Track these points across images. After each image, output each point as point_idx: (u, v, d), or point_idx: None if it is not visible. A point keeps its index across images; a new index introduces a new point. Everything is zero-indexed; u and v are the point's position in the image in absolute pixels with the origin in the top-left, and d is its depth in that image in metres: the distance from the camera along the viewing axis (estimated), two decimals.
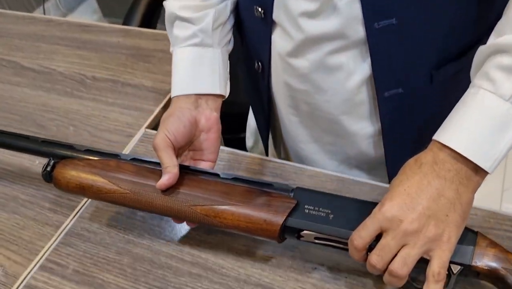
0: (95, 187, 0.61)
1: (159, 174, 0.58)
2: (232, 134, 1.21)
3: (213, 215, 0.57)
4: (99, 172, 0.61)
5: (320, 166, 0.74)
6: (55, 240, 0.67)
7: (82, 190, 0.62)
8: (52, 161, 0.63)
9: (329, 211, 0.55)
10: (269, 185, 0.59)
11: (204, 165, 0.64)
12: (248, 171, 0.72)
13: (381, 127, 0.65)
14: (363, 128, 0.67)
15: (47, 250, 0.66)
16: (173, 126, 0.60)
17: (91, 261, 0.64)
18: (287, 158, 0.83)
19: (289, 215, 0.55)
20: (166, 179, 0.57)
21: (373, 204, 0.53)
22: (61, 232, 0.68)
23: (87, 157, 0.63)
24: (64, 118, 0.89)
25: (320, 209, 0.55)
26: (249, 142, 1.01)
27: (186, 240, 0.64)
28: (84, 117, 0.88)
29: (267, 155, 0.85)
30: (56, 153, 0.64)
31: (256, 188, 0.58)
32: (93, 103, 0.91)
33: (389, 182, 0.70)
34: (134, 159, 0.63)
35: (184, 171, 0.61)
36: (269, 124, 0.79)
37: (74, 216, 0.70)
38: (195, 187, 0.59)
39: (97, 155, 0.63)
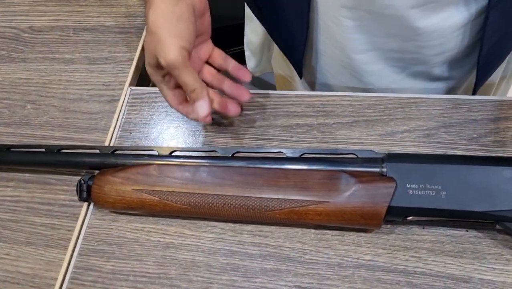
0: (146, 206, 0.49)
1: (215, 174, 0.47)
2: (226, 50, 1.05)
3: (296, 217, 0.45)
4: (144, 188, 0.49)
5: (376, 76, 0.59)
6: (69, 266, 0.52)
7: (132, 210, 0.51)
8: (85, 184, 0.51)
9: (439, 187, 0.42)
10: (350, 156, 0.46)
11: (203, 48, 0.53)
12: (288, 115, 0.56)
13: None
14: (450, 17, 0.51)
15: (62, 282, 0.51)
16: (184, 30, 0.45)
17: (128, 284, 0.49)
18: (322, 79, 0.66)
19: (390, 202, 0.43)
20: (205, 112, 0.47)
21: (490, 163, 0.42)
22: (72, 254, 0.52)
23: (119, 162, 0.51)
24: (14, 94, 0.67)
25: (427, 186, 0.42)
26: (250, 63, 0.83)
27: (241, 227, 0.50)
28: (40, 87, 0.67)
29: (300, 76, 0.67)
30: (81, 162, 0.53)
31: (336, 168, 0.46)
32: (45, 65, 0.69)
33: (477, 78, 0.56)
34: (173, 155, 0.51)
35: (239, 158, 0.49)
36: (307, 38, 0.60)
37: (81, 227, 0.54)
38: (265, 186, 0.46)
39: (130, 157, 0.52)
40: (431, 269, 0.44)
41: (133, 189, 0.49)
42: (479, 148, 0.49)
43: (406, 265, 0.45)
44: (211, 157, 0.50)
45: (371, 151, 0.46)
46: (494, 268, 0.43)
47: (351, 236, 0.47)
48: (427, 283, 0.44)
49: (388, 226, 0.47)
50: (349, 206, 0.44)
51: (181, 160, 0.50)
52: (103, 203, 0.51)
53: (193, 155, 0.51)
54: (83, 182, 0.51)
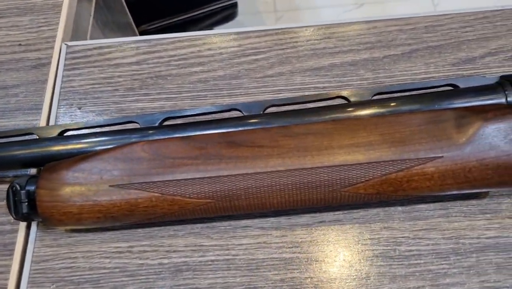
0: (139, 211, 0.31)
1: (249, 142, 0.31)
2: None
3: (391, 190, 0.30)
4: (132, 182, 0.30)
5: None
6: None
7: (114, 220, 0.31)
8: (22, 190, 0.31)
9: None
10: (447, 89, 0.32)
11: None
12: (316, 54, 0.40)
13: None
14: None
15: None
16: None
17: None
18: None
19: None
20: None
21: None
22: None
23: (77, 147, 0.33)
24: None
25: None
26: None
27: (290, 220, 0.34)
28: None
29: None
30: (11, 157, 0.33)
31: (440, 106, 0.31)
32: None
33: None
34: (167, 124, 0.33)
35: (278, 114, 0.33)
36: None
37: (21, 264, 0.34)
38: (335, 147, 0.30)
39: (93, 137, 0.33)
40: None
41: (112, 186, 0.30)
42: None
43: None
44: (233, 118, 0.33)
45: (476, 76, 0.32)
46: None
47: (457, 207, 0.33)
48: None
49: None
50: (474, 159, 0.29)
51: (184, 130, 0.32)
52: (59, 217, 0.31)
53: (200, 120, 0.33)
54: (18, 187, 0.31)
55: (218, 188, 0.30)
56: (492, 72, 0.38)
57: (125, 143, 0.32)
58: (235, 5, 1.01)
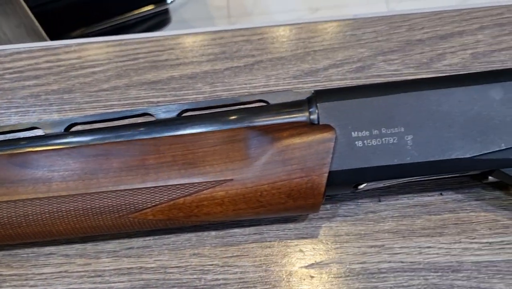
0: None
1: (34, 165, 0.28)
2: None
3: (182, 215, 0.28)
4: None
5: None
6: None
7: None
8: None
9: (402, 129, 0.27)
10: (258, 106, 0.30)
11: None
12: (156, 66, 0.38)
13: None
14: None
15: None
16: None
17: None
18: None
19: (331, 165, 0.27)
20: None
21: (467, 83, 0.28)
22: None
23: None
24: None
25: (384, 131, 0.27)
26: None
27: (96, 247, 0.32)
28: None
29: None
30: None
31: (238, 125, 0.29)
32: None
33: None
34: None
35: (77, 133, 0.30)
36: None
37: None
38: (123, 171, 0.28)
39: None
40: (402, 261, 0.30)
41: None
42: (433, 75, 0.36)
43: (364, 262, 0.30)
44: (28, 138, 0.30)
45: (289, 91, 0.31)
46: (490, 243, 0.30)
47: (273, 231, 0.31)
48: (400, 283, 0.29)
49: (328, 205, 0.32)
50: (266, 182, 0.27)
51: None
52: None
53: None
54: None
55: None
56: (333, 85, 0.36)
57: None
58: (166, 12, 0.99)
